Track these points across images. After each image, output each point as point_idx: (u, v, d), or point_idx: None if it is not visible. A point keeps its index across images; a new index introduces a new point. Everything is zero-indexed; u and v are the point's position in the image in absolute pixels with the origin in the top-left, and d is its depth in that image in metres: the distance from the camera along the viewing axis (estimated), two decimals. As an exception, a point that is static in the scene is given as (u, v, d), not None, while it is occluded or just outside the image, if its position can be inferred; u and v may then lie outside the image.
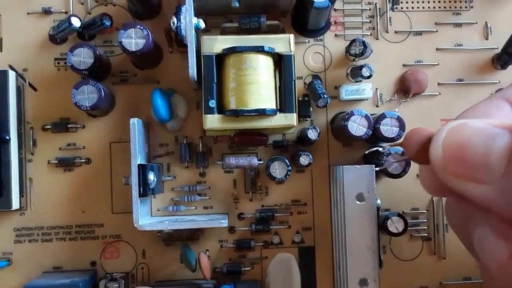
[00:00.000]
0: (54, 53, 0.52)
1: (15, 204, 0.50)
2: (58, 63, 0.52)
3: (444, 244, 0.54)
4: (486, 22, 0.55)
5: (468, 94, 0.54)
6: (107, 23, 0.51)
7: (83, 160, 0.52)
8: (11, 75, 0.50)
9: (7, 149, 0.49)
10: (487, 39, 0.55)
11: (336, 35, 0.54)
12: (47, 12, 0.52)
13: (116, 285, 0.49)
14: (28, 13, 0.52)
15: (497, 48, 0.55)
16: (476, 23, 0.55)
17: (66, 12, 0.52)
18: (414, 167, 0.50)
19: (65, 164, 0.51)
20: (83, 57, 0.48)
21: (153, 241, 0.52)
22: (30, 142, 0.51)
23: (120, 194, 0.52)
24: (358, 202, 0.48)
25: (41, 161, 0.51)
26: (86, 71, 0.48)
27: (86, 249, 0.52)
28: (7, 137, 0.49)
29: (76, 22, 0.50)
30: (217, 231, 0.52)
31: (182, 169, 0.52)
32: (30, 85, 0.51)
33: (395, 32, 0.54)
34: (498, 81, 0.55)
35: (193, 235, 0.52)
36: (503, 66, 0.55)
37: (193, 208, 0.52)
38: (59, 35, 0.51)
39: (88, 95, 0.48)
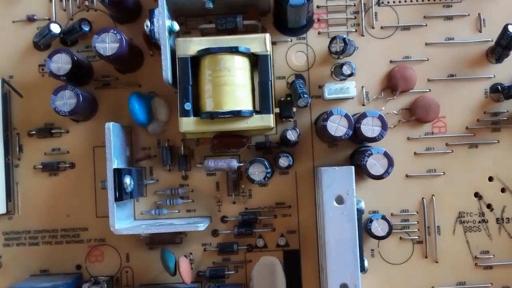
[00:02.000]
0: (38, 60, 0.53)
1: (2, 208, 0.51)
2: (42, 69, 0.53)
3: (436, 247, 0.51)
4: (479, 14, 0.52)
5: (460, 89, 0.52)
6: (86, 28, 0.51)
7: (67, 165, 0.52)
8: (-3, 82, 0.51)
9: (-6, 155, 0.51)
10: (480, 31, 0.52)
11: (319, 33, 0.53)
12: (31, 19, 0.53)
13: (99, 288, 0.50)
14: (13, 22, 0.53)
15: (491, 41, 0.52)
16: (468, 15, 0.52)
17: (49, 19, 0.53)
18: (399, 167, 0.48)
19: (50, 168, 0.52)
20: (61, 63, 0.48)
21: (136, 244, 0.52)
22: (17, 148, 0.52)
23: (103, 198, 0.51)
24: (337, 205, 0.46)
25: (27, 166, 0.52)
26: (64, 77, 0.48)
27: (71, 252, 0.52)
28: (-7, 143, 0.50)
29: (55, 29, 0.51)
30: (200, 234, 0.52)
31: (164, 172, 0.52)
32: (16, 92, 0.52)
33: (381, 27, 0.52)
34: (493, 76, 0.52)
35: (175, 239, 0.52)
36: (499, 60, 0.52)
37: (176, 211, 0.52)
38: (42, 41, 0.52)
39: (66, 100, 0.48)
